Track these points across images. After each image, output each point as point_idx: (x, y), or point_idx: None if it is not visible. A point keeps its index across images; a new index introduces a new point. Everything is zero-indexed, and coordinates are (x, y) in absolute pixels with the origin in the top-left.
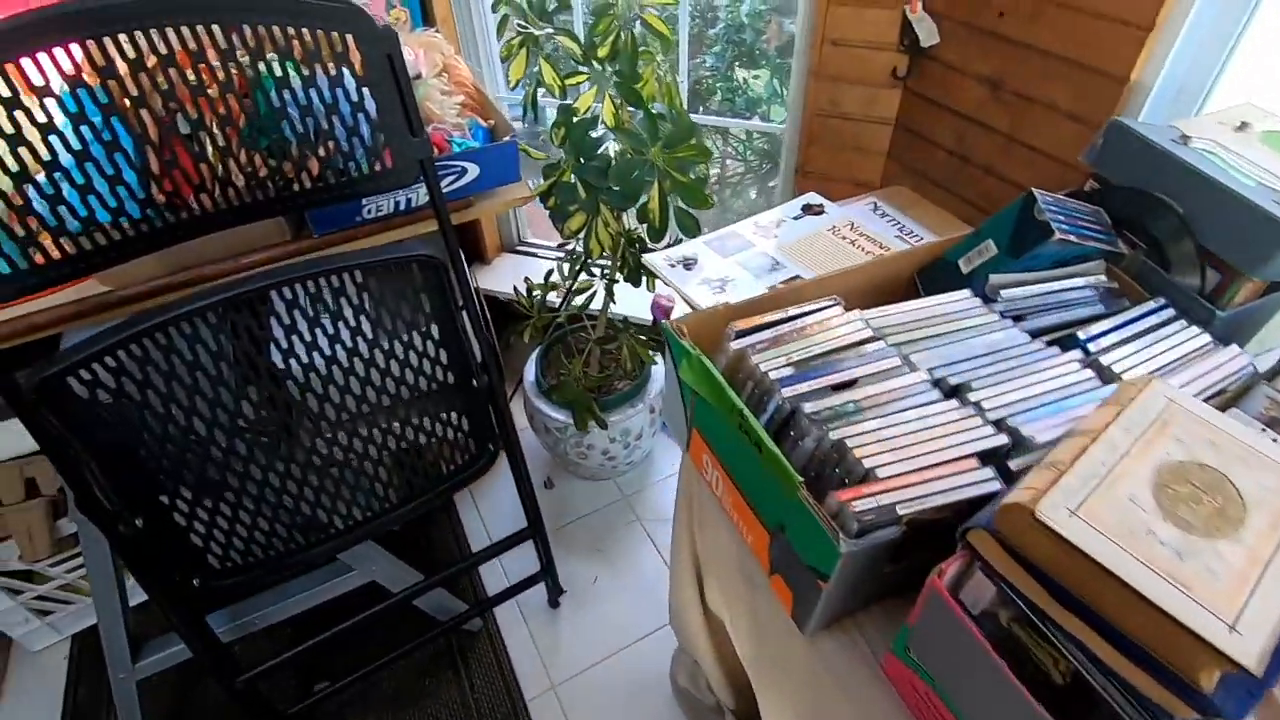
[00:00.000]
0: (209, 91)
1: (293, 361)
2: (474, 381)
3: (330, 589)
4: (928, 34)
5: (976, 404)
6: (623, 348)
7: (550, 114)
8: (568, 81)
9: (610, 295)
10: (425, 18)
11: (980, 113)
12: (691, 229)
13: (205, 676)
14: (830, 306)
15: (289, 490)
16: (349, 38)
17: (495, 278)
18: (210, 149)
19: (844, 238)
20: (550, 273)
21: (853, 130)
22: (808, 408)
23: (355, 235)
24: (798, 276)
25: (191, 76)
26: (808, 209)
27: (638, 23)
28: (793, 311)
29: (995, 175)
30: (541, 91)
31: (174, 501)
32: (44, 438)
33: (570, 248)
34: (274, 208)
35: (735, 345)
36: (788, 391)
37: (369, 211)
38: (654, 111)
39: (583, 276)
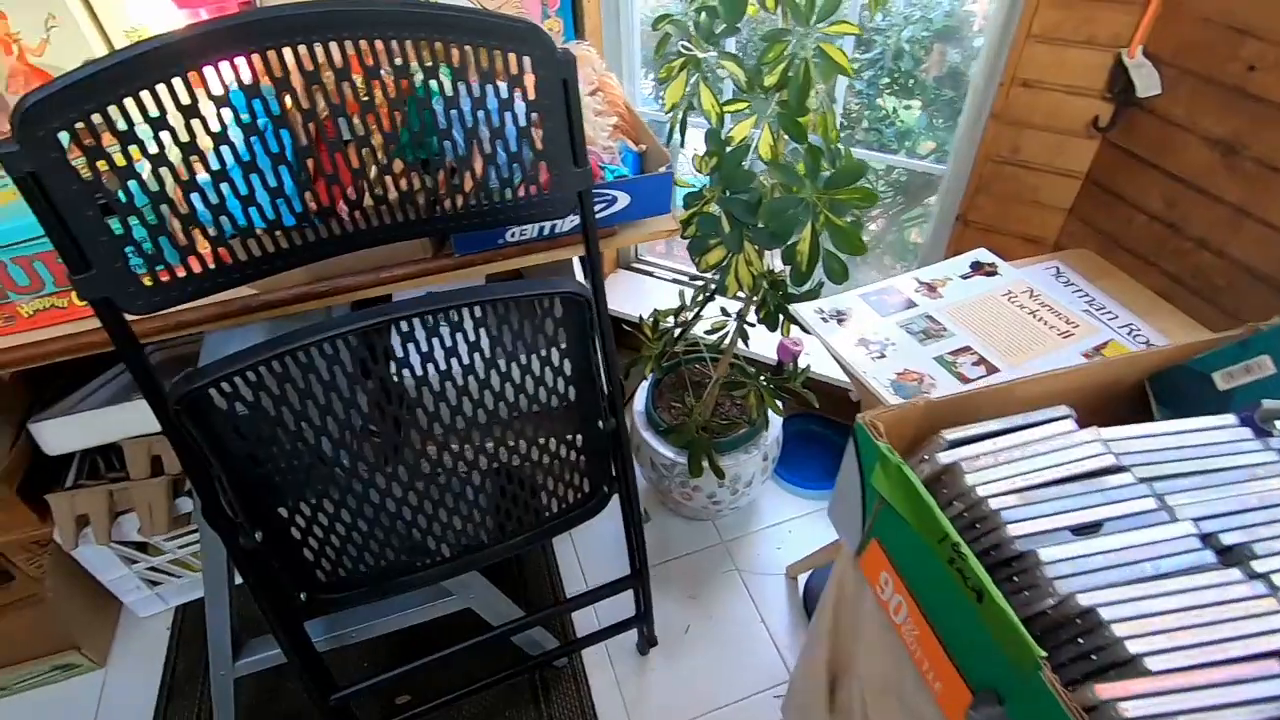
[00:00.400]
0: (377, 106)
1: (424, 389)
2: (600, 423)
3: (427, 610)
4: (1147, 83)
5: (1265, 577)
6: (750, 395)
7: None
8: (726, 109)
9: (743, 337)
10: (576, 29)
11: (1204, 178)
12: (839, 274)
13: (291, 680)
14: (1060, 419)
15: (403, 514)
16: (526, 60)
17: (610, 296)
18: (371, 166)
19: (1022, 306)
20: (682, 308)
21: (1032, 181)
22: (1045, 556)
23: (494, 257)
24: (969, 347)
25: (363, 91)
26: (977, 267)
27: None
28: (1017, 421)
29: (1212, 250)
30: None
31: (292, 516)
32: (181, 445)
33: (701, 280)
34: (423, 228)
35: (946, 457)
36: (1016, 529)
37: (511, 235)
38: (814, 146)
39: (715, 314)
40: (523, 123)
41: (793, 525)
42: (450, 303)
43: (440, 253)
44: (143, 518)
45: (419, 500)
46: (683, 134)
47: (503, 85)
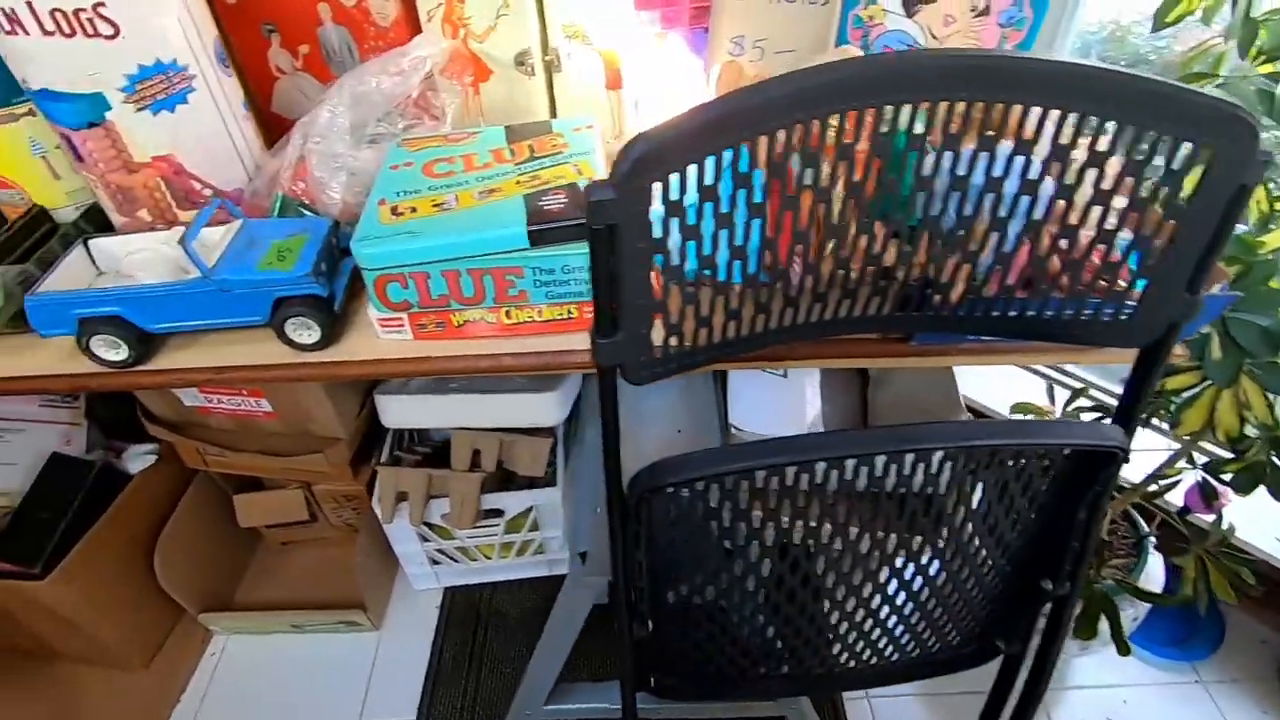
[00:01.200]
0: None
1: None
2: (1047, 583)
3: (743, 709)
4: None
5: None
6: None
7: None
8: (1277, 206)
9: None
10: None
11: None
12: None
13: None
14: None
15: (780, 631)
16: (1204, 152)
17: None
18: (922, 253)
19: None
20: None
21: None
22: None
23: (950, 351)
24: None
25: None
26: None
27: None
28: None
29: None
30: None
31: (680, 608)
32: (621, 525)
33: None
34: (920, 325)
35: None
36: None
37: (974, 336)
38: None
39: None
40: (1146, 229)
41: (1128, 694)
42: (991, 440)
43: (889, 335)
44: (454, 506)
45: (798, 614)
46: None
47: (1149, 178)
